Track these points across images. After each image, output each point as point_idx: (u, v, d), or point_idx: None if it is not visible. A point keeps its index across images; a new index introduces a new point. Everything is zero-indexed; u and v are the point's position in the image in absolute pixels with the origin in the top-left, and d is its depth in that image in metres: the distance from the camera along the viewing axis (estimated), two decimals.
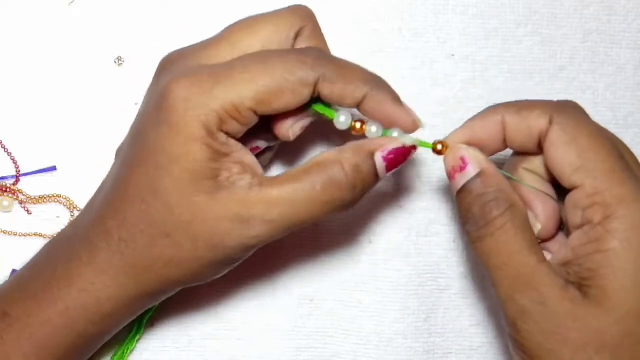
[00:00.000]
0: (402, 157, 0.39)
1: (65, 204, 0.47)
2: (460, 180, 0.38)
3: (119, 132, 0.46)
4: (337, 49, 0.48)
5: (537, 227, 0.39)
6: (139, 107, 0.47)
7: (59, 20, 0.47)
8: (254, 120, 0.37)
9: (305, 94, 0.37)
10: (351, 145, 0.38)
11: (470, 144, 0.39)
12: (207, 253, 0.38)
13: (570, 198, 0.36)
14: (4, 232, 0.46)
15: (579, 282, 0.35)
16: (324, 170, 0.37)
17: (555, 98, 0.48)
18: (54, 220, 0.47)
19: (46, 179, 0.47)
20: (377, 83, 0.39)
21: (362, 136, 0.39)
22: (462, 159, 0.38)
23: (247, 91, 0.36)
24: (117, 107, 0.47)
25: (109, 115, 0.47)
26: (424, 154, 0.48)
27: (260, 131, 0.40)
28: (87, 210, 0.41)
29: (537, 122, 0.37)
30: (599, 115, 0.49)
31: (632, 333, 0.34)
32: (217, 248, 0.37)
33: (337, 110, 0.39)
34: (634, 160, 0.37)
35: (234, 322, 0.47)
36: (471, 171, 0.37)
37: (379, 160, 0.38)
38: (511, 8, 0.49)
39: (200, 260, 0.38)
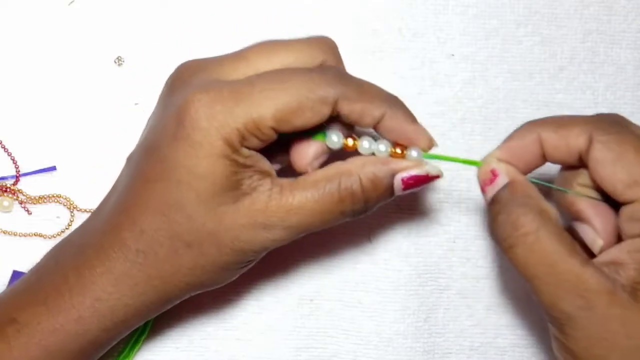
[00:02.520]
0: (421, 183, 0.39)
1: (65, 204, 0.47)
2: (491, 191, 0.38)
3: (119, 132, 0.47)
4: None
5: (598, 243, 0.38)
6: (139, 107, 0.47)
7: (59, 20, 0.47)
8: (274, 137, 0.38)
9: (325, 112, 0.37)
10: (374, 160, 0.39)
11: (508, 163, 0.39)
12: (230, 258, 0.39)
13: (625, 210, 0.36)
14: (4, 232, 0.46)
15: (632, 285, 0.35)
16: (343, 181, 0.38)
17: (555, 98, 0.49)
18: (54, 221, 0.47)
19: (46, 179, 0.47)
20: (395, 102, 0.40)
21: (356, 152, 0.39)
22: (492, 172, 0.39)
23: (268, 109, 0.37)
24: (117, 107, 0.47)
25: (108, 115, 0.47)
26: None
27: (275, 150, 0.40)
28: (96, 217, 0.41)
29: (576, 140, 0.37)
30: None
31: None
32: (239, 252, 0.39)
33: (326, 130, 0.39)
34: None
35: (234, 322, 0.47)
36: (500, 182, 0.38)
37: (398, 181, 0.39)
38: (511, 8, 0.49)
39: (223, 265, 0.39)
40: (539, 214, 0.36)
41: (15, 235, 0.46)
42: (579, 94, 0.49)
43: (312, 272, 0.47)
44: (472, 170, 0.48)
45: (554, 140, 0.38)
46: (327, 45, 0.40)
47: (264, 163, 0.39)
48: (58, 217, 0.47)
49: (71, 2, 0.48)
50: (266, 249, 0.39)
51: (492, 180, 0.38)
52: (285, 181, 0.38)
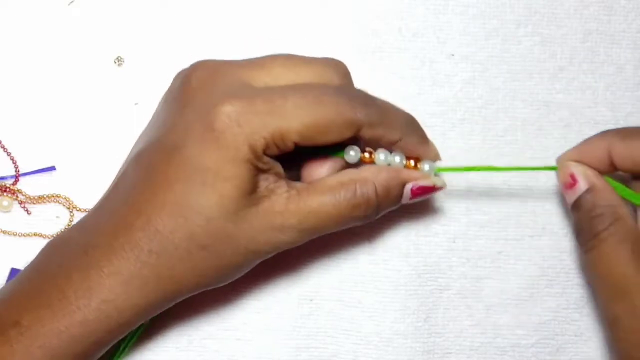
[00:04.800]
0: (427, 193, 0.42)
1: (64, 203, 0.47)
2: (572, 195, 0.41)
3: (119, 132, 0.47)
4: (337, 48, 0.48)
5: None
6: (138, 107, 0.47)
7: (59, 20, 0.47)
8: (291, 149, 0.39)
9: (347, 135, 0.39)
10: (387, 169, 0.41)
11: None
12: (243, 258, 0.40)
13: None
14: (4, 232, 0.46)
15: None
16: (359, 188, 0.40)
17: (554, 98, 0.49)
18: (53, 220, 0.46)
19: (45, 179, 0.47)
20: (411, 125, 0.42)
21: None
22: (572, 176, 0.41)
23: (296, 124, 0.38)
24: (117, 107, 0.47)
25: (108, 115, 0.47)
26: None
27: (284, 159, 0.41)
28: (100, 216, 0.40)
29: None
30: (599, 115, 0.49)
31: None
32: (253, 253, 0.40)
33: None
34: None
35: (234, 322, 0.47)
36: (581, 187, 0.41)
37: (408, 190, 0.42)
38: (511, 8, 0.49)
39: (234, 266, 0.40)
40: (614, 223, 0.39)
41: (14, 235, 0.46)
42: (579, 94, 0.49)
43: (312, 272, 0.47)
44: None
45: (621, 149, 0.40)
46: (343, 69, 0.41)
47: (279, 167, 0.40)
48: (57, 217, 0.47)
49: (71, 2, 0.48)
50: (278, 250, 0.40)
51: (572, 185, 0.41)
52: (299, 185, 0.40)
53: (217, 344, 0.47)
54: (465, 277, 0.48)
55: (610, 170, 0.41)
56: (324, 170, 0.42)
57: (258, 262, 0.41)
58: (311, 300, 0.47)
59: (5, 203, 0.46)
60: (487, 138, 0.49)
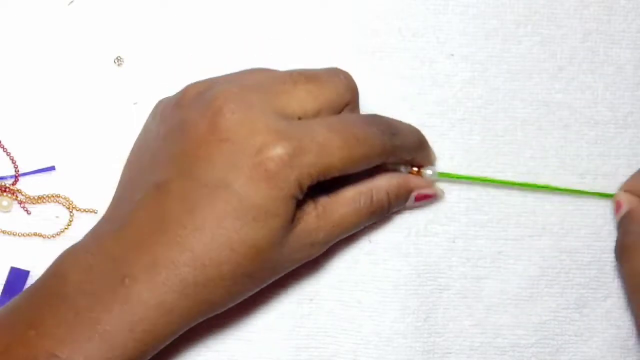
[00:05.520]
0: (428, 199, 0.47)
1: (64, 204, 0.47)
2: (617, 217, 0.48)
3: (119, 132, 0.47)
4: (337, 48, 0.48)
5: None
6: (138, 106, 0.47)
7: (58, 20, 0.47)
8: None
9: (376, 164, 0.43)
10: (397, 176, 0.45)
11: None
12: (279, 275, 0.43)
13: None
14: (3, 232, 0.46)
15: None
16: (375, 195, 0.44)
17: (554, 98, 0.49)
18: (53, 220, 0.46)
19: (45, 179, 0.47)
20: (422, 145, 0.46)
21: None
22: (618, 202, 0.48)
23: (337, 162, 0.40)
24: (117, 107, 0.47)
25: (108, 115, 0.47)
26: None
27: None
28: (128, 244, 0.40)
29: None
30: (599, 115, 0.49)
31: None
32: (285, 269, 0.43)
33: None
34: None
35: (234, 322, 0.47)
36: (623, 210, 0.47)
37: (413, 196, 0.46)
38: (511, 8, 0.49)
39: (267, 282, 0.42)
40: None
41: (14, 235, 0.46)
42: (579, 94, 0.49)
43: (312, 272, 0.47)
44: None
45: None
46: (352, 82, 0.43)
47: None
48: (57, 217, 0.47)
49: (71, 2, 0.48)
50: (302, 262, 0.43)
51: (617, 209, 0.48)
52: (322, 199, 0.43)
53: (217, 344, 0.46)
54: (465, 277, 0.48)
55: None
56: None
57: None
58: (311, 300, 0.47)
59: (4, 203, 0.46)
60: (486, 138, 0.49)
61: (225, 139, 0.39)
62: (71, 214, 0.46)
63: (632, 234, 0.46)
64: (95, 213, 0.46)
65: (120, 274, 0.39)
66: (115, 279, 0.39)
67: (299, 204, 0.41)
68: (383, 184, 0.45)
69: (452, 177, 0.47)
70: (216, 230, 0.39)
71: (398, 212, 0.48)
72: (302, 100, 0.41)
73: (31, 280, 0.46)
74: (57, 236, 0.46)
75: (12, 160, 0.47)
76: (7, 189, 0.46)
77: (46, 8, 0.47)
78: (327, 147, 0.40)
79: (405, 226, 0.48)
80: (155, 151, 0.42)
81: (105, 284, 0.39)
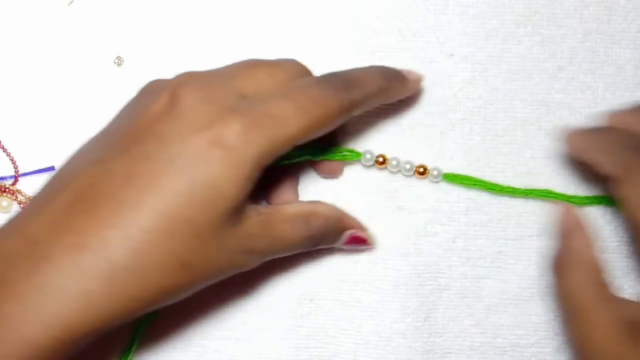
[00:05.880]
0: (358, 244, 0.46)
1: None
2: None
3: None
4: (337, 48, 0.48)
5: None
6: None
7: (58, 20, 0.47)
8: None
9: (341, 122, 0.41)
10: (336, 210, 0.44)
11: None
12: (211, 278, 0.39)
13: None
14: None
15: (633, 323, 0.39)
16: (313, 221, 0.42)
17: (554, 98, 0.49)
18: None
19: (45, 179, 0.47)
20: (388, 77, 0.44)
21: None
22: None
23: (297, 129, 0.38)
24: (117, 107, 0.47)
25: (108, 115, 0.47)
26: (425, 154, 0.48)
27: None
28: (54, 220, 0.36)
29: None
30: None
31: None
32: (220, 274, 0.40)
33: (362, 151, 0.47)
34: None
35: (233, 322, 0.47)
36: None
37: (345, 235, 0.45)
38: (511, 8, 0.49)
39: (198, 285, 0.39)
40: (573, 249, 0.43)
41: None
42: (579, 94, 0.49)
43: (311, 272, 0.47)
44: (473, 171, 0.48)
45: None
46: (306, 68, 0.43)
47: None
48: None
49: (71, 2, 0.48)
50: (236, 272, 0.41)
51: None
52: (265, 209, 0.41)
53: (216, 344, 0.46)
54: (465, 277, 0.48)
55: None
56: (287, 195, 0.45)
57: (214, 282, 0.40)
58: (311, 300, 0.47)
59: (4, 203, 0.46)
60: (486, 138, 0.49)
61: (178, 116, 0.38)
62: None
63: (562, 248, 0.43)
64: None
65: (36, 257, 0.34)
66: (31, 263, 0.34)
67: (242, 208, 0.38)
68: (322, 211, 0.43)
69: (457, 180, 0.47)
70: (157, 208, 0.36)
71: (397, 211, 0.48)
72: (261, 81, 0.40)
73: None
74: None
75: (12, 160, 0.47)
76: (7, 190, 0.46)
77: (46, 8, 0.47)
78: (283, 117, 0.38)
79: (405, 226, 0.48)
80: (99, 136, 0.40)
81: (18, 270, 0.34)
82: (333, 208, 0.44)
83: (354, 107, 0.41)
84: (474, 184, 0.47)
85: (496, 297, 0.48)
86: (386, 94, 0.44)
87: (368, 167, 0.47)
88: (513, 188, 0.47)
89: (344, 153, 0.46)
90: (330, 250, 0.47)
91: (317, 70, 0.48)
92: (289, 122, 0.38)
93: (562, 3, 0.49)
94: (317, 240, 0.43)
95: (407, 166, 0.47)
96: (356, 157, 0.47)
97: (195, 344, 0.46)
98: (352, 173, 0.48)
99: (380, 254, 0.47)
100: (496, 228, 0.48)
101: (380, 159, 0.47)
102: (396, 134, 0.48)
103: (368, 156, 0.46)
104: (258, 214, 0.40)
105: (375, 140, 0.48)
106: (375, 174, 0.48)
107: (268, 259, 0.42)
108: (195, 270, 0.38)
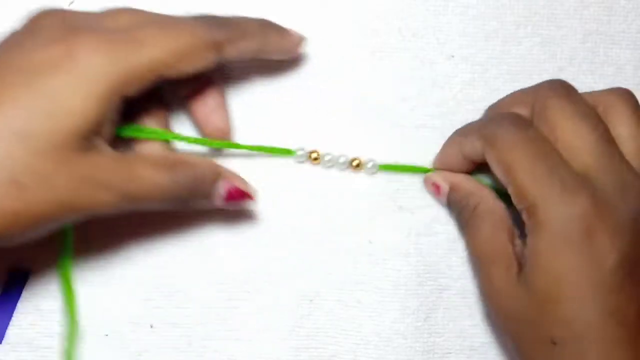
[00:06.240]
0: (241, 199, 0.43)
1: None
2: (443, 199, 0.46)
3: None
4: (337, 49, 0.48)
5: None
6: None
7: None
8: (153, 84, 0.38)
9: (211, 58, 0.40)
10: (207, 161, 0.42)
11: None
12: (57, 211, 0.36)
13: None
14: None
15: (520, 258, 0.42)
16: (180, 168, 0.40)
17: None
18: None
19: None
20: (268, 27, 0.44)
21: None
22: (434, 184, 0.47)
23: (157, 53, 0.38)
24: None
25: None
26: (425, 155, 0.48)
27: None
28: None
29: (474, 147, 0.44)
30: None
31: (546, 313, 0.39)
32: (69, 208, 0.37)
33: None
34: None
35: (233, 323, 0.47)
36: (444, 190, 0.46)
37: (221, 189, 0.42)
38: (511, 9, 0.49)
39: (45, 217, 0.36)
40: (475, 207, 0.44)
41: None
42: None
43: (311, 272, 0.47)
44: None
45: (467, 147, 0.44)
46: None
47: (114, 128, 0.39)
48: None
49: (71, 3, 0.48)
50: (94, 213, 0.38)
51: (438, 191, 0.46)
52: (127, 152, 0.40)
53: (216, 345, 0.46)
54: (465, 277, 0.48)
55: (472, 166, 0.46)
56: (155, 147, 0.42)
57: (71, 220, 0.38)
58: (311, 300, 0.47)
59: None
60: None
61: (37, 33, 0.37)
62: None
63: (466, 209, 0.45)
64: None
65: None
66: None
67: (94, 137, 0.37)
68: (195, 161, 0.41)
69: (393, 168, 0.47)
70: (3, 117, 0.35)
71: (398, 211, 0.48)
72: (125, 21, 0.39)
73: (31, 280, 0.46)
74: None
75: None
76: None
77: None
78: (145, 40, 0.37)
79: (405, 226, 0.48)
80: None
81: None
82: (207, 160, 0.42)
83: (225, 45, 0.40)
84: (408, 170, 0.47)
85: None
86: (262, 41, 0.43)
87: (301, 162, 0.47)
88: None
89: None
90: (329, 251, 0.47)
91: (318, 71, 0.48)
92: (152, 45, 0.37)
93: (562, 4, 0.49)
94: (186, 191, 0.40)
95: (342, 159, 0.46)
96: (289, 153, 0.46)
97: (195, 345, 0.46)
98: (353, 174, 0.48)
99: (380, 255, 0.47)
100: None
101: (314, 155, 0.46)
102: (396, 137, 0.48)
103: (300, 152, 0.46)
104: (114, 152, 0.38)
105: (375, 144, 0.48)
106: (376, 175, 0.48)
107: (130, 205, 0.39)
108: (31, 193, 0.35)
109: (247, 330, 0.47)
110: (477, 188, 0.45)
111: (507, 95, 0.46)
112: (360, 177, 0.48)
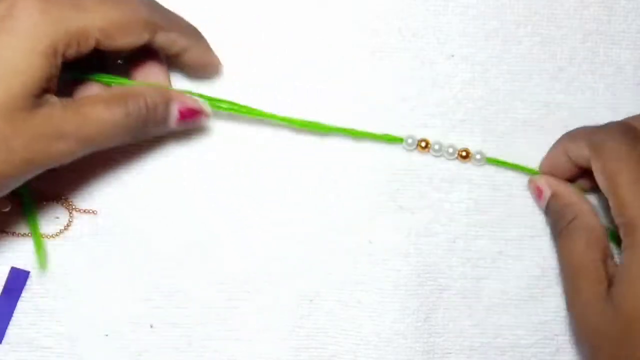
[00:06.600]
0: (194, 117, 0.44)
1: (64, 204, 0.47)
2: (543, 203, 0.47)
3: None
4: (337, 49, 0.48)
5: None
6: None
7: None
8: (91, 48, 0.39)
9: (145, 37, 0.41)
10: (156, 87, 0.43)
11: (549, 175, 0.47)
12: (17, 169, 0.38)
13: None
14: (3, 232, 0.46)
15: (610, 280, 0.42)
16: (130, 100, 0.41)
17: (554, 98, 0.49)
18: (53, 221, 0.46)
19: (45, 179, 0.47)
20: (198, 35, 0.45)
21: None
22: (538, 188, 0.47)
23: (98, 20, 0.39)
24: None
25: None
26: (425, 157, 0.48)
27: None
28: None
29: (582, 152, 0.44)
30: (599, 115, 0.49)
31: (631, 333, 0.38)
32: (28, 162, 0.38)
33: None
34: None
35: (233, 323, 0.47)
36: (546, 195, 0.46)
37: (175, 110, 0.43)
38: (511, 9, 0.49)
39: (6, 175, 0.38)
40: (574, 219, 0.44)
41: (14, 235, 0.46)
42: (579, 95, 0.49)
43: (312, 273, 0.47)
44: (473, 171, 0.48)
45: (574, 150, 0.44)
46: None
47: (57, 83, 0.39)
48: (57, 217, 0.47)
49: None
50: (55, 163, 0.39)
51: (540, 195, 0.47)
52: (73, 99, 0.41)
53: (216, 345, 0.46)
54: (465, 277, 0.48)
55: (577, 170, 0.46)
56: (95, 90, 0.43)
57: (32, 175, 0.39)
58: (311, 300, 0.47)
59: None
60: (487, 139, 0.49)
61: None
62: (71, 215, 0.46)
63: (563, 218, 0.45)
64: (95, 214, 0.46)
65: None
66: None
67: (41, 93, 0.38)
68: (143, 89, 0.42)
69: (500, 163, 0.48)
70: None
71: (397, 211, 0.47)
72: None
73: (31, 281, 0.46)
74: (56, 236, 0.46)
75: None
76: None
77: None
78: (86, 6, 0.38)
79: (405, 226, 0.47)
80: None
81: None
82: (155, 86, 0.43)
83: (159, 31, 0.41)
84: (515, 168, 0.48)
85: (496, 297, 0.48)
86: (191, 43, 0.44)
87: (410, 150, 0.48)
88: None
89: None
90: (329, 251, 0.47)
91: (318, 72, 0.48)
92: (93, 12, 0.38)
93: (562, 4, 0.49)
94: (141, 121, 0.42)
95: (450, 149, 0.47)
96: (398, 141, 0.47)
97: (195, 345, 0.46)
98: (353, 174, 0.48)
99: (380, 255, 0.47)
100: (496, 228, 0.48)
101: (423, 143, 0.47)
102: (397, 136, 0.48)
103: (410, 141, 0.47)
104: (62, 100, 0.39)
105: (375, 144, 0.48)
106: (376, 174, 0.48)
107: (88, 147, 0.40)
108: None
109: (247, 330, 0.47)
110: (579, 201, 0.45)
111: (581, 128, 0.46)
112: (361, 177, 0.48)
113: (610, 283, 0.41)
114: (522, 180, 0.48)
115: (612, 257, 0.43)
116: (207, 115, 0.45)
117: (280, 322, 0.47)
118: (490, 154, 0.48)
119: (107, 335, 0.46)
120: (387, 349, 0.47)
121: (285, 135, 0.48)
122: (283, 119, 0.46)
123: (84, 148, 0.40)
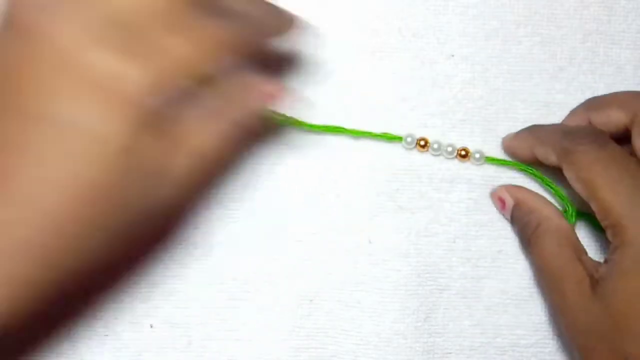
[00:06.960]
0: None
1: None
2: (507, 213, 0.47)
3: None
4: (337, 49, 0.48)
5: None
6: None
7: None
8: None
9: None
10: (243, 82, 0.40)
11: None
12: (132, 221, 0.36)
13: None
14: None
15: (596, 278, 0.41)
16: (231, 109, 0.38)
17: (554, 98, 0.49)
18: None
19: None
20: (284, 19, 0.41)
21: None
22: (499, 199, 0.47)
23: (191, 65, 0.34)
24: None
25: None
26: (426, 156, 0.48)
27: None
28: None
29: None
30: None
31: (624, 328, 0.39)
32: (140, 211, 0.36)
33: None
34: None
35: (233, 323, 0.47)
36: (509, 204, 0.47)
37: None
38: (511, 8, 0.49)
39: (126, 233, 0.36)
40: (539, 225, 0.44)
41: None
42: (579, 95, 0.49)
43: (311, 273, 0.47)
44: (473, 170, 0.48)
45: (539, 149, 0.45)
46: None
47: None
48: None
49: None
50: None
51: (503, 206, 0.47)
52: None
53: (216, 345, 0.46)
54: (465, 277, 0.48)
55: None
56: None
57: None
58: (311, 300, 0.47)
59: None
60: (487, 139, 0.49)
61: (33, 42, 0.30)
62: None
63: (529, 226, 0.45)
64: None
65: None
66: None
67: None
68: (238, 96, 0.38)
69: (500, 162, 0.48)
70: (37, 172, 0.30)
71: (398, 211, 0.47)
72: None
73: None
74: None
75: None
76: None
77: None
78: (180, 55, 0.32)
79: (405, 226, 0.48)
80: None
81: None
82: (240, 82, 0.39)
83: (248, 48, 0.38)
84: (513, 165, 0.48)
85: (496, 297, 0.48)
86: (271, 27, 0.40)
87: (409, 149, 0.48)
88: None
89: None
90: (329, 251, 0.47)
91: (318, 72, 0.48)
92: (185, 59, 0.33)
93: (562, 3, 0.49)
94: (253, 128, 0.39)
95: (449, 148, 0.47)
96: (397, 139, 0.47)
97: (195, 345, 0.46)
98: (352, 173, 0.48)
99: (380, 255, 0.47)
100: (496, 228, 0.48)
101: (422, 142, 0.47)
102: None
103: (409, 139, 0.47)
104: (154, 125, 0.33)
105: (375, 144, 0.48)
106: (375, 174, 0.48)
107: (202, 181, 0.40)
108: (113, 225, 0.34)
109: (247, 330, 0.47)
110: (542, 206, 0.45)
111: (609, 94, 0.47)
112: (361, 177, 0.48)
113: (592, 279, 0.41)
114: (522, 180, 0.48)
115: (586, 253, 0.43)
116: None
117: (280, 322, 0.47)
118: (491, 153, 0.48)
119: (107, 335, 0.46)
120: (387, 349, 0.47)
121: (285, 135, 0.48)
122: (282, 119, 0.46)
123: (190, 187, 0.37)
